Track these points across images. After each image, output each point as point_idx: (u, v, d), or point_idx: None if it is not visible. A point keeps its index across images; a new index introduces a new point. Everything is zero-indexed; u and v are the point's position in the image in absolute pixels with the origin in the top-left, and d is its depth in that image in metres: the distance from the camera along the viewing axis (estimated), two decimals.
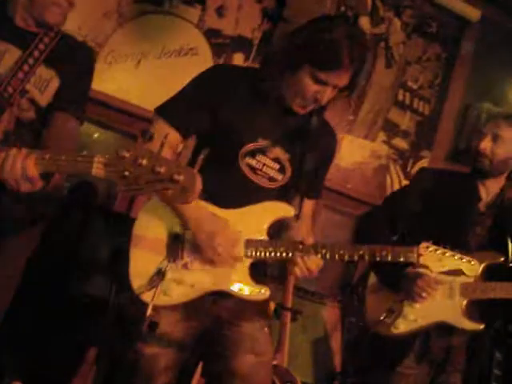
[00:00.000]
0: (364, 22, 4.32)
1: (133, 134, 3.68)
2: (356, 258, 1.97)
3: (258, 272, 2.02)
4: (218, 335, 2.02)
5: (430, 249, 2.03)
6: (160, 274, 1.91)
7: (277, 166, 2.05)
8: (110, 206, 3.57)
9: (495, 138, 2.60)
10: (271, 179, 2.06)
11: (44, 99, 2.06)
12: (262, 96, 2.02)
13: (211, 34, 3.90)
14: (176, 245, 1.97)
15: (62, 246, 2.93)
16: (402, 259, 2.00)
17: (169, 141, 1.94)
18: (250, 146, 2.01)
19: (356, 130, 4.31)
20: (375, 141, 4.36)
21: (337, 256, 1.96)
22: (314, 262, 1.95)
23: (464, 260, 2.08)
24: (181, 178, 1.24)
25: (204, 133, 2.04)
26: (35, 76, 2.04)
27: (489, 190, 2.67)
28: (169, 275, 1.92)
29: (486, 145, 2.60)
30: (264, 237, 2.00)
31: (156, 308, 1.88)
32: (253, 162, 2.02)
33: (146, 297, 1.90)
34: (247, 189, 2.03)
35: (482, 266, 2.42)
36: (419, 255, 2.02)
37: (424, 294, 2.48)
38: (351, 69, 1.93)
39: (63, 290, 2.85)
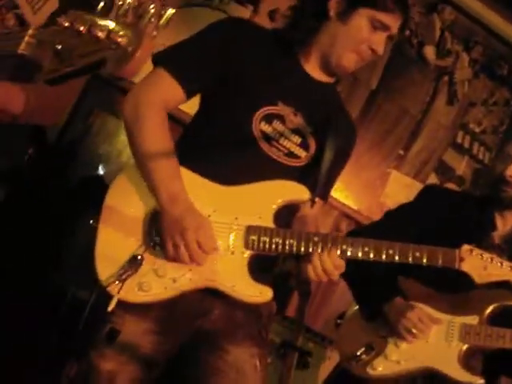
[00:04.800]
0: (429, 52, 3.90)
1: None
2: (384, 257, 1.53)
3: (263, 271, 1.58)
4: (196, 358, 1.55)
5: (475, 253, 1.60)
6: (135, 263, 1.48)
7: (298, 140, 1.63)
8: None
9: None
10: (291, 154, 1.63)
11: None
12: (289, 55, 1.67)
13: None
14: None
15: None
16: (440, 262, 1.56)
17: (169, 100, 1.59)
18: (268, 110, 1.59)
19: (405, 166, 3.84)
20: (425, 182, 3.88)
21: (360, 253, 1.52)
22: (335, 262, 1.50)
23: None
24: (123, 39, 0.88)
25: (212, 89, 1.63)
26: None
27: (507, 222, 2.23)
28: (147, 264, 1.50)
29: None
30: (269, 224, 1.55)
31: (120, 313, 1.49)
32: (268, 130, 1.59)
33: (115, 290, 1.47)
34: (260, 163, 1.60)
35: (491, 307, 2.05)
36: (461, 259, 1.58)
37: (414, 331, 2.01)
38: (404, 15, 1.65)
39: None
